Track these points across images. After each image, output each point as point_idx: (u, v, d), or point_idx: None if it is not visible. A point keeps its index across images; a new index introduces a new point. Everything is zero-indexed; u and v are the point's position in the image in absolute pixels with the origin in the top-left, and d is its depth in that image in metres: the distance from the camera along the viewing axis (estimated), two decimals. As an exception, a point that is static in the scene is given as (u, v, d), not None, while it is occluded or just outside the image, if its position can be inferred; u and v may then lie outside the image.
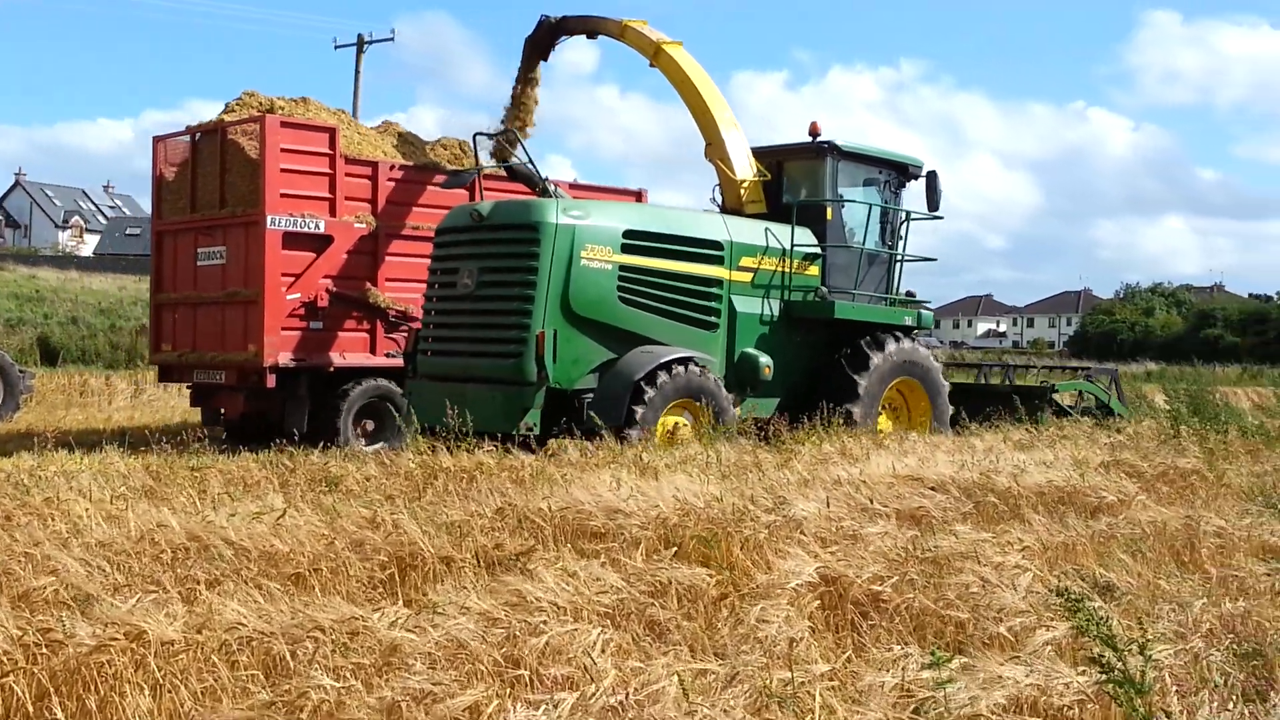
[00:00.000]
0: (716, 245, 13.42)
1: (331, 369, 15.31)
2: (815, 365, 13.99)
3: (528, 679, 4.40)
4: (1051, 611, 5.05)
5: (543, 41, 16.80)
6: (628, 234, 12.71)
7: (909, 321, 14.70)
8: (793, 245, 13.96)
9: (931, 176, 15.23)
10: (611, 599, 5.37)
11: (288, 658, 4.46)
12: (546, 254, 12.07)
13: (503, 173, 15.26)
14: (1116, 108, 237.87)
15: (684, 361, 12.33)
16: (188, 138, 16.26)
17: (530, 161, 13.67)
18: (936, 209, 15.29)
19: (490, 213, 12.74)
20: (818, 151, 14.68)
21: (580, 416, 11.72)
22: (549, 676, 4.38)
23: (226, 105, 16.31)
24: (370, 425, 15.61)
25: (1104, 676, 3.89)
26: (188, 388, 17.09)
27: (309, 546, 6.17)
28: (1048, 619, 4.99)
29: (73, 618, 4.64)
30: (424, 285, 14.63)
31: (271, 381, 14.84)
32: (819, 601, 5.67)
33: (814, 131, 14.68)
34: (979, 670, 4.25)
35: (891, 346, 14.06)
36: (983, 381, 17.92)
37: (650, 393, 11.89)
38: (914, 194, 15.74)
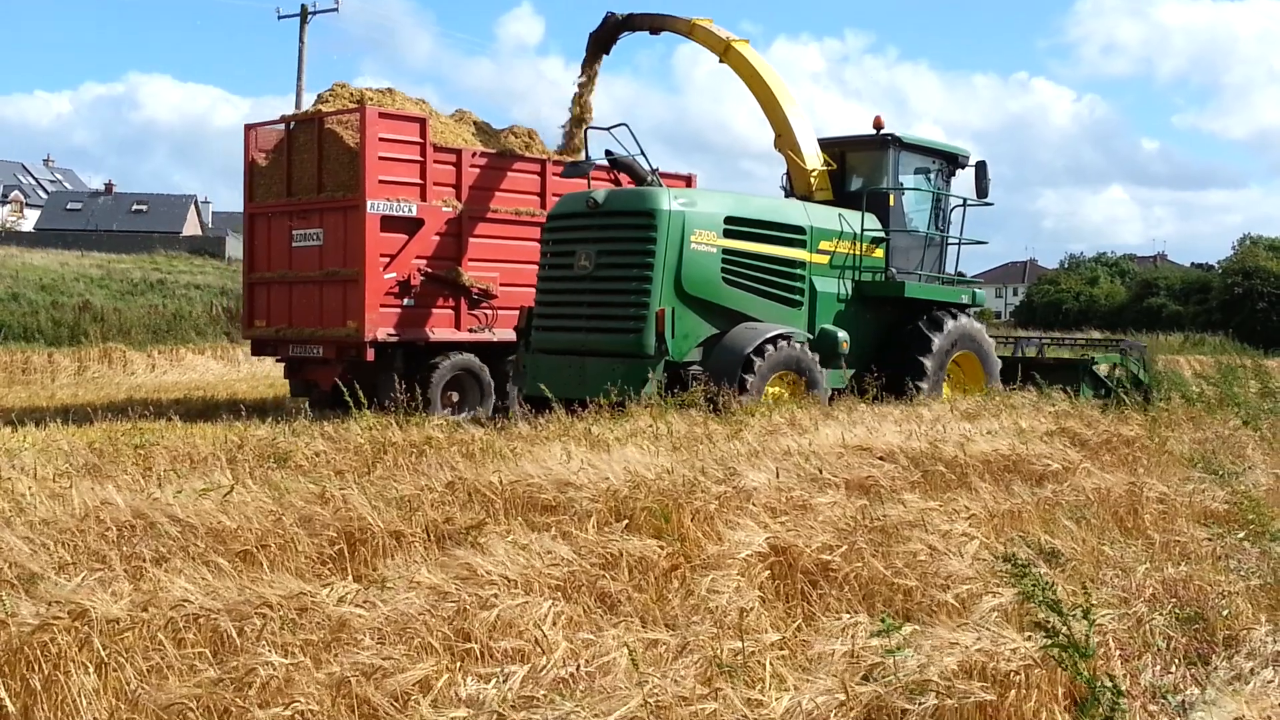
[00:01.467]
0: (800, 230, 14.61)
1: (424, 343, 16.48)
2: (881, 339, 15.18)
3: (478, 652, 4.40)
4: (998, 578, 5.10)
5: (606, 37, 17.94)
6: (728, 220, 13.89)
7: (965, 299, 16.04)
8: (863, 230, 15.15)
9: (980, 166, 16.28)
10: (562, 571, 5.37)
11: (235, 635, 4.42)
12: (662, 238, 13.24)
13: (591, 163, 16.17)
14: (1058, 79, 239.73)
15: (784, 337, 13.55)
16: (281, 126, 17.45)
17: (642, 153, 14.54)
18: (985, 195, 16.32)
19: (606, 200, 13.83)
20: (881, 143, 15.82)
21: (687, 385, 12.63)
22: (499, 649, 4.38)
23: (319, 96, 17.60)
24: (455, 396, 16.70)
25: (1049, 641, 3.94)
26: (278, 361, 18.30)
27: (257, 523, 6.11)
28: (994, 585, 5.04)
29: (15, 597, 4.58)
30: (501, 265, 16.97)
31: (371, 355, 15.92)
32: (769, 571, 5.70)
33: (878, 125, 15.80)
34: (927, 637, 4.29)
35: (957, 321, 15.35)
36: (1023, 354, 18.68)
37: (759, 364, 13.06)
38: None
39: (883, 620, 4.36)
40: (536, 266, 16.02)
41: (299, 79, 39.20)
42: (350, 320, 16.02)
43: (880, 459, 8.56)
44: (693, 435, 9.62)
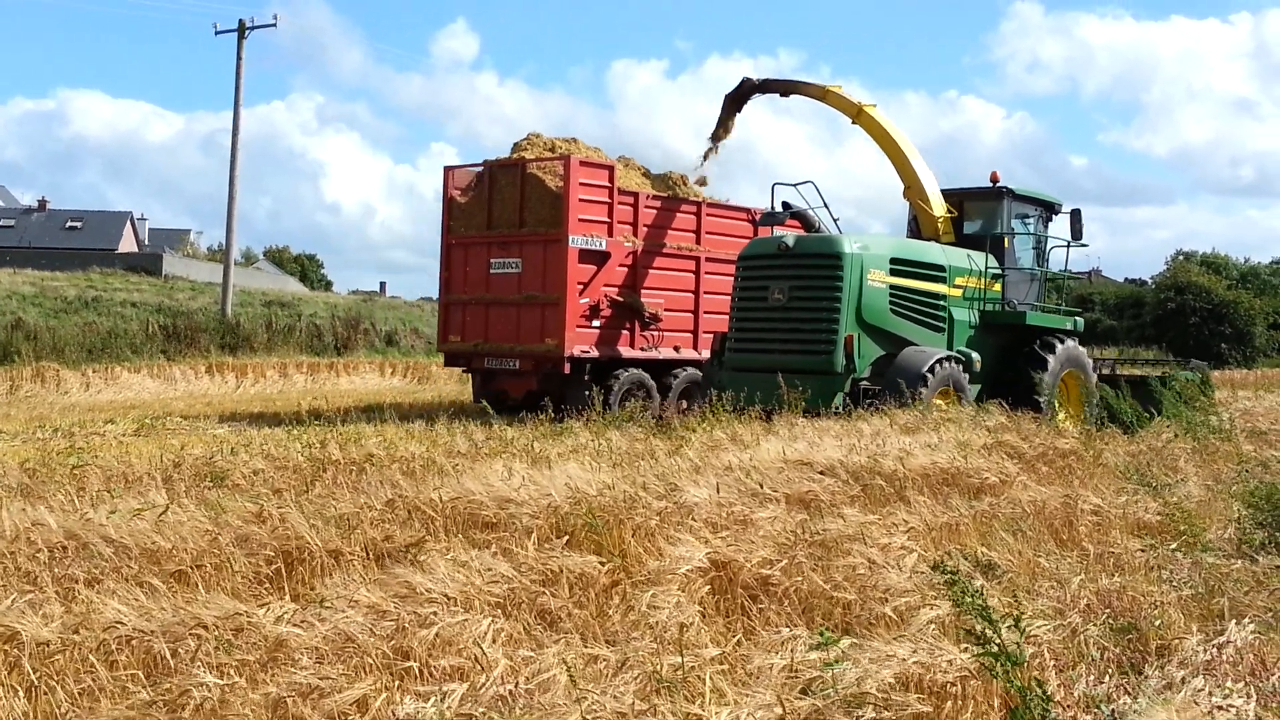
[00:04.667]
0: (941, 268, 16.96)
1: (607, 359, 19.06)
2: (997, 359, 17.25)
3: (417, 671, 4.37)
4: (935, 590, 5.15)
5: (741, 98, 20.63)
6: (892, 260, 16.21)
7: (1070, 327, 18.35)
8: (986, 267, 17.61)
9: (1075, 213, 18.61)
10: (502, 588, 5.34)
11: (169, 656, 4.36)
12: (847, 276, 15.60)
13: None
14: (987, 97, 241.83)
15: (945, 359, 15.67)
16: (480, 168, 20.26)
17: (825, 205, 17.70)
18: (1080, 238, 18.73)
19: (796, 244, 16.20)
20: (997, 194, 18.28)
21: (860, 398, 15.02)
22: (439, 668, 4.35)
23: (515, 145, 20.34)
24: (628, 405, 18.16)
25: (980, 650, 3.98)
26: (465, 371, 21.10)
27: (192, 543, 6.03)
28: (931, 598, 5.09)
29: (-57, 621, 4.49)
30: (665, 293, 19.86)
31: (567, 369, 18.46)
32: (709, 586, 5.71)
33: (994, 179, 18.29)
34: (866, 649, 4.31)
35: (1064, 345, 17.57)
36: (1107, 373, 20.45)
37: (931, 381, 15.17)
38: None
39: (821, 634, 4.39)
40: (691, 294, 20.22)
41: (237, 94, 38.99)
42: (549, 338, 18.64)
43: (821, 473, 8.60)
44: (634, 452, 9.62)
